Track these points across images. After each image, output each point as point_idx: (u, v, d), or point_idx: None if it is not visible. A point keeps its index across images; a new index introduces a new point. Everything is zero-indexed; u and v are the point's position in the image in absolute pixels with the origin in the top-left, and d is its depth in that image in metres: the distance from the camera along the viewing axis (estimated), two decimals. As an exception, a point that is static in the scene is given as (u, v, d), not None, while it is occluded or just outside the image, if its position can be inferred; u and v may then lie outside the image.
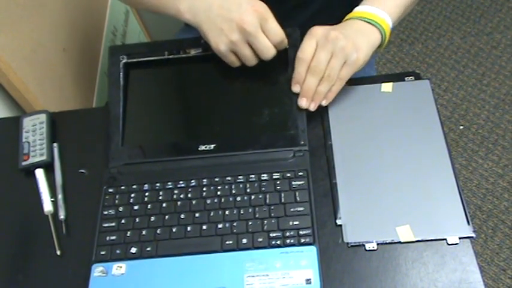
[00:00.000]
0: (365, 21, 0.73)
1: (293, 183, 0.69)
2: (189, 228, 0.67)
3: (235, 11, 0.68)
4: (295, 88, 0.73)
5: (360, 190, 0.68)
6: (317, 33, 0.70)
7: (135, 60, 0.80)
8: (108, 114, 0.77)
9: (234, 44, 0.70)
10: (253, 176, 0.70)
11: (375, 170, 0.69)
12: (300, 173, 0.69)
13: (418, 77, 0.78)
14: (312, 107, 0.72)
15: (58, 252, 0.69)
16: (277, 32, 0.70)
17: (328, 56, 0.69)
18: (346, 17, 0.76)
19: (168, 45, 0.80)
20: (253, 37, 0.69)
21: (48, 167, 0.76)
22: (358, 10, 0.75)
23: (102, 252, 0.66)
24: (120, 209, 0.70)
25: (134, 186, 0.71)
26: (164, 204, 0.69)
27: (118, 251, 0.66)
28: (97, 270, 0.65)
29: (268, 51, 0.71)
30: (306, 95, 0.72)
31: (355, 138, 0.72)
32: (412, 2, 0.78)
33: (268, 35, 0.70)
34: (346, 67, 0.70)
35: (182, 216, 0.68)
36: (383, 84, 0.76)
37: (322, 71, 0.70)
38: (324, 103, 0.73)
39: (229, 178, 0.70)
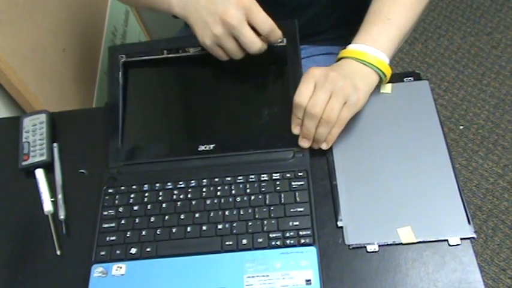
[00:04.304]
0: (361, 62, 0.71)
1: (293, 183, 0.69)
2: (189, 229, 0.67)
3: (220, 4, 0.67)
4: (295, 130, 0.70)
5: (360, 191, 0.68)
6: (315, 73, 0.68)
7: (134, 59, 0.80)
8: (108, 114, 0.77)
9: (217, 38, 0.69)
10: (253, 176, 0.70)
11: (375, 171, 0.69)
12: (300, 174, 0.69)
13: (418, 77, 0.77)
14: (315, 147, 0.71)
15: (58, 252, 0.69)
16: (265, 21, 0.68)
17: (327, 96, 0.66)
18: (341, 55, 0.73)
19: (168, 43, 0.79)
20: (237, 30, 0.67)
21: (48, 167, 0.76)
22: (352, 49, 0.72)
23: (102, 253, 0.66)
24: (120, 209, 0.70)
25: (134, 187, 0.71)
26: (164, 205, 0.69)
27: (118, 252, 0.66)
28: (97, 270, 0.65)
29: (253, 44, 0.69)
30: (306, 137, 0.70)
31: (355, 140, 0.72)
32: (407, 32, 0.75)
33: (255, 26, 0.68)
34: (347, 108, 0.68)
35: (182, 216, 0.68)
36: (382, 85, 0.76)
37: (318, 112, 0.66)
38: (324, 147, 0.70)
39: (229, 178, 0.70)
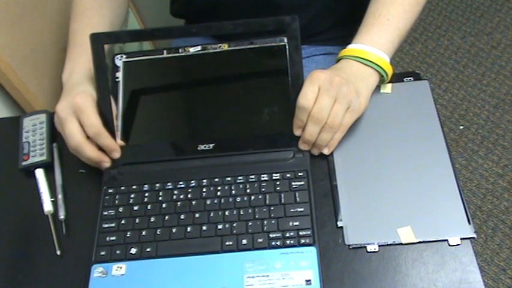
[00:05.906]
0: (362, 62, 0.71)
1: (293, 183, 0.69)
2: (189, 229, 0.67)
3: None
4: (297, 133, 0.71)
5: (360, 191, 0.68)
6: (319, 77, 0.67)
7: (134, 59, 0.79)
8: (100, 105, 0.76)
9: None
10: (253, 176, 0.70)
11: (375, 171, 0.69)
12: (300, 174, 0.69)
13: (418, 77, 0.78)
14: (315, 152, 0.71)
15: (58, 252, 0.69)
16: (92, 124, 0.69)
17: (332, 101, 0.67)
18: (341, 54, 0.73)
19: (154, 32, 0.77)
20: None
21: (48, 167, 0.76)
22: (353, 48, 0.72)
23: (102, 253, 0.66)
24: (120, 209, 0.70)
25: (134, 187, 0.71)
26: (164, 205, 0.69)
27: (118, 252, 0.66)
28: (97, 270, 0.65)
29: (68, 137, 0.70)
30: (307, 142, 0.70)
31: (355, 140, 0.72)
32: (406, 33, 0.76)
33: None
34: (350, 113, 0.68)
35: (182, 216, 0.68)
36: (382, 85, 0.76)
37: (324, 118, 0.67)
38: (326, 152, 0.70)
39: (229, 178, 0.70)
